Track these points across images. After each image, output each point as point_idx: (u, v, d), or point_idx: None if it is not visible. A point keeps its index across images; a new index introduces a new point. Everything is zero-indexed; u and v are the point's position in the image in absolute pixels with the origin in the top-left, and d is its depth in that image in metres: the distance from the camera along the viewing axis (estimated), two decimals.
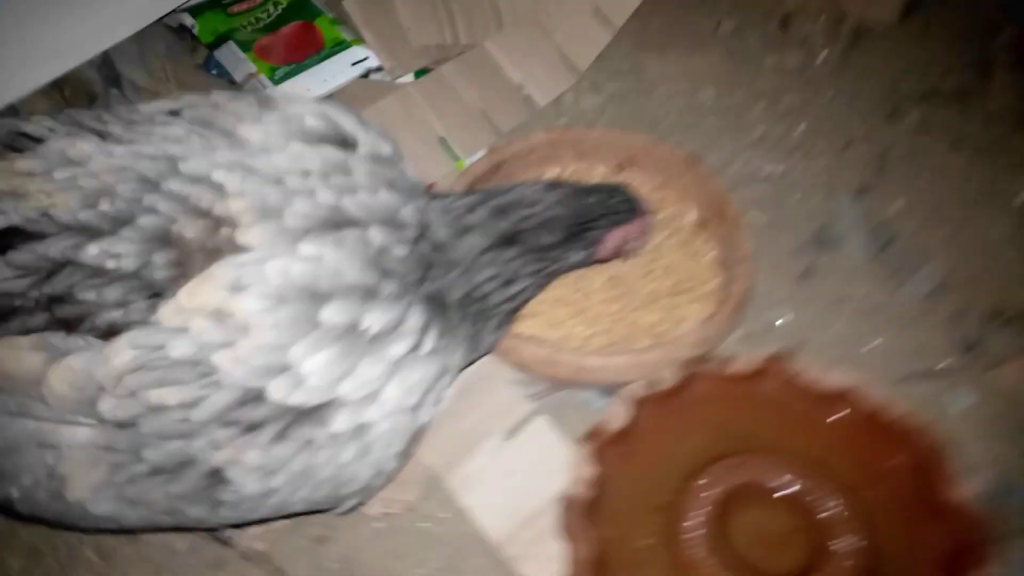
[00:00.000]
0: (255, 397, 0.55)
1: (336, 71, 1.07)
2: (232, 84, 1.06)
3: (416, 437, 0.65)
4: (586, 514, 0.70)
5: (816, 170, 1.02)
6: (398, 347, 0.60)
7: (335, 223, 0.60)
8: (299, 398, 0.56)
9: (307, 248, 0.58)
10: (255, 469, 0.57)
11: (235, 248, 0.56)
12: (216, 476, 0.57)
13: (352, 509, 0.67)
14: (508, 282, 0.72)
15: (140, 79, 0.96)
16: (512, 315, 0.76)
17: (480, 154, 1.03)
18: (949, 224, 0.96)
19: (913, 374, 0.84)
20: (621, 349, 0.84)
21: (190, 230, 0.56)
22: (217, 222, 0.57)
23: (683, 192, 0.96)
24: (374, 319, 0.59)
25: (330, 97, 1.06)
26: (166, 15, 1.03)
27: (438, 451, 0.80)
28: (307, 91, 1.04)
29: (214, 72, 1.08)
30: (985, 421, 0.80)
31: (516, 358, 0.81)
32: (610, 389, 0.83)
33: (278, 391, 0.56)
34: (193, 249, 0.56)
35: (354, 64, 1.08)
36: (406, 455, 0.66)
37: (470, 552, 0.75)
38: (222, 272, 0.55)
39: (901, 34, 1.17)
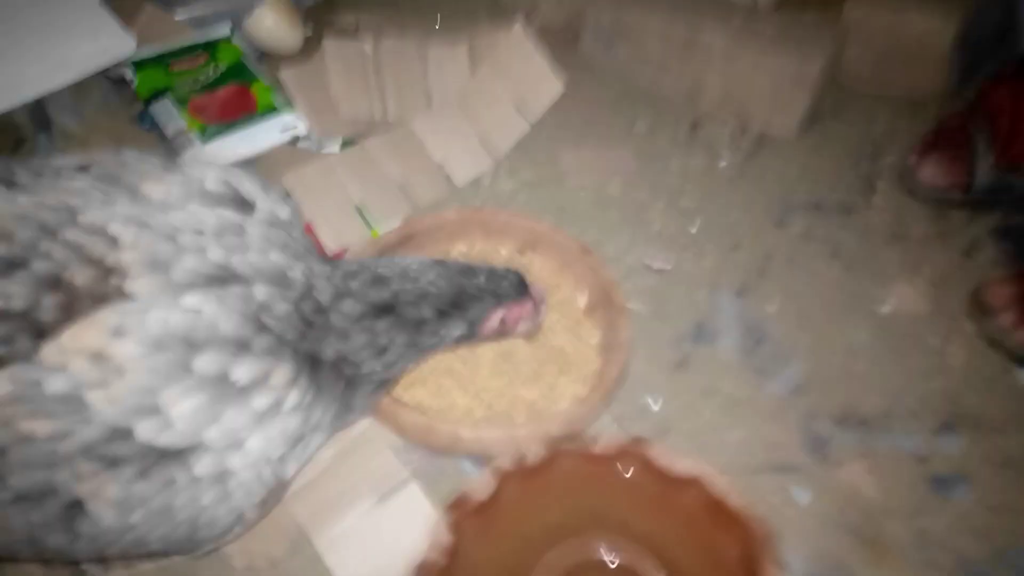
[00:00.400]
0: (123, 435, 0.59)
1: (265, 135, 1.12)
2: (163, 139, 1.11)
3: (277, 489, 0.69)
4: None
5: (703, 268, 1.10)
6: (262, 400, 0.64)
7: (221, 279, 0.65)
8: (166, 440, 0.60)
9: (189, 300, 0.62)
10: (115, 504, 0.60)
11: (122, 296, 0.61)
12: (76, 507, 0.60)
13: (208, 553, 0.71)
14: (381, 351, 0.75)
15: (71, 126, 1.01)
16: (387, 383, 0.80)
17: (395, 224, 1.09)
18: (816, 328, 1.04)
19: (765, 466, 0.91)
20: (496, 423, 0.89)
21: (80, 277, 0.60)
22: (107, 271, 0.61)
23: (577, 278, 1.03)
24: (243, 371, 0.63)
25: (256, 160, 1.12)
26: (107, 67, 1.08)
27: (310, 508, 0.83)
28: (234, 152, 1.10)
29: (146, 126, 1.13)
30: (821, 517, 0.87)
31: (395, 424, 0.86)
32: (485, 460, 0.87)
33: (146, 431, 0.59)
34: (81, 295, 0.60)
35: (283, 131, 1.14)
36: (265, 505, 0.69)
37: None
38: (106, 317, 0.60)
39: (797, 147, 1.28)
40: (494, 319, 0.82)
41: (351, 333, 0.73)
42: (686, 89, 1.31)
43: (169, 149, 1.10)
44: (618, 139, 1.26)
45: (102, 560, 0.76)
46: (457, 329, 0.80)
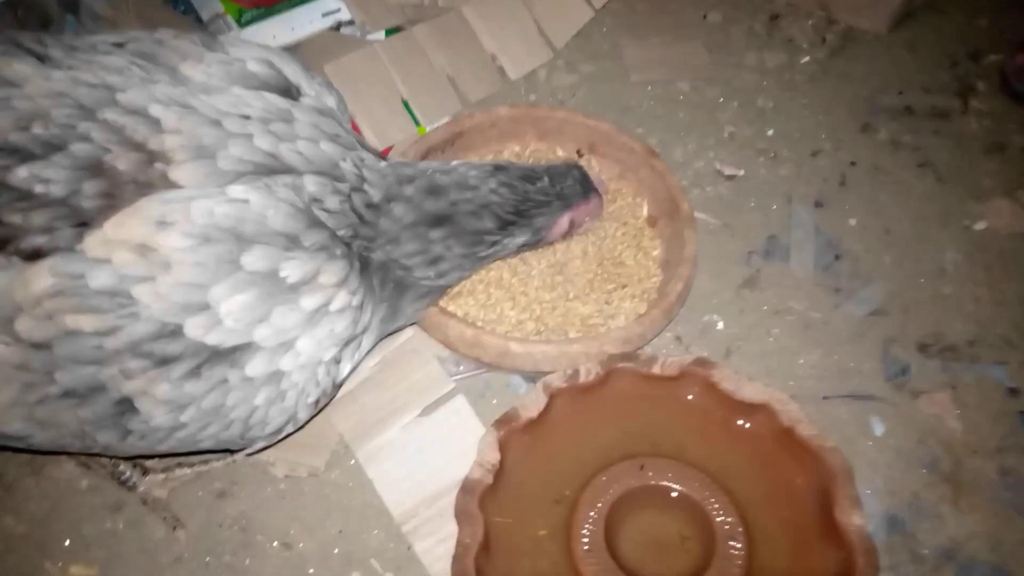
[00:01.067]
0: (172, 332, 0.56)
1: (305, 20, 1.04)
2: (198, 22, 1.04)
3: (331, 391, 0.67)
4: (483, 499, 0.70)
5: (779, 176, 1.01)
6: (311, 299, 0.61)
7: (270, 169, 0.61)
8: (216, 338, 0.58)
9: (236, 191, 0.59)
10: (165, 402, 0.58)
11: (167, 184, 0.57)
12: (126, 404, 0.58)
13: (260, 451, 0.69)
14: (434, 260, 0.72)
15: (100, 7, 0.94)
16: (437, 291, 0.77)
17: (443, 121, 1.02)
18: (901, 245, 0.95)
19: (836, 394, 0.84)
20: (547, 338, 0.83)
21: (123, 162, 0.57)
22: (151, 156, 0.58)
23: (640, 184, 0.95)
24: (293, 268, 0.60)
25: (296, 47, 1.04)
26: None
27: (353, 420, 0.80)
28: (272, 38, 1.02)
29: (181, 8, 1.05)
30: (897, 450, 0.81)
31: (442, 336, 0.81)
32: (534, 376, 0.82)
33: (195, 329, 0.57)
34: (124, 181, 0.57)
35: (325, 15, 1.05)
36: (318, 406, 0.67)
37: (367, 523, 0.76)
38: (149, 207, 0.56)
39: (888, 43, 1.15)
40: (563, 223, 0.80)
41: (402, 239, 0.70)
42: None
43: (204, 34, 1.02)
44: (689, 30, 1.14)
45: (151, 457, 0.75)
46: (522, 237, 0.77)
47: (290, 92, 0.67)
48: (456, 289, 0.86)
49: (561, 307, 0.86)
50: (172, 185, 0.57)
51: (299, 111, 0.65)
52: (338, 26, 1.07)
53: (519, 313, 0.85)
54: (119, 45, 0.63)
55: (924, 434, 0.81)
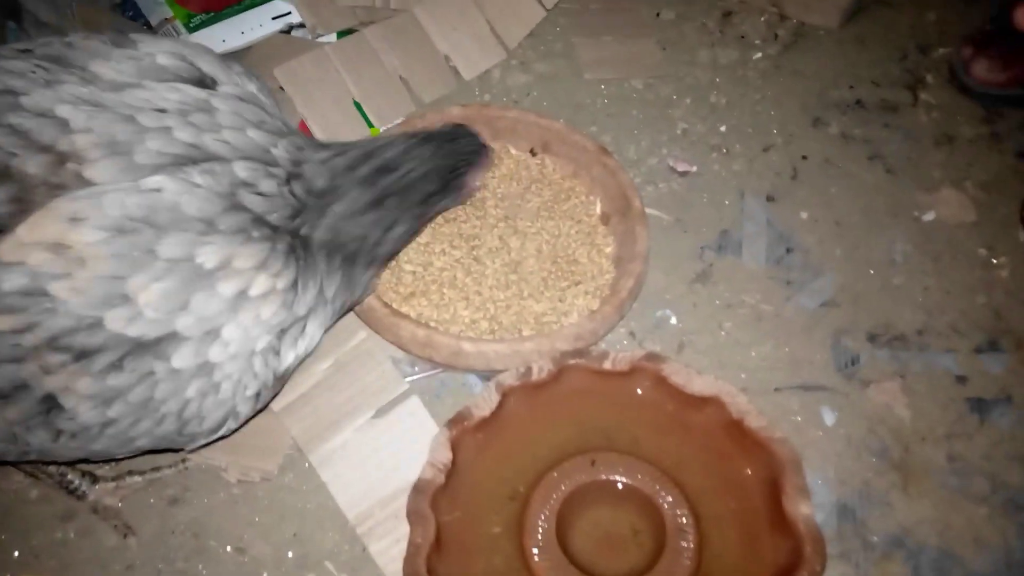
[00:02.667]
0: (91, 325, 0.56)
1: (255, 24, 1.04)
2: (147, 28, 1.03)
3: (273, 382, 0.66)
4: (436, 498, 0.70)
5: (731, 171, 1.02)
6: (227, 285, 0.60)
7: (192, 159, 0.61)
8: (137, 329, 0.57)
9: (149, 181, 0.58)
10: (89, 397, 0.57)
11: (81, 183, 0.56)
12: (51, 401, 0.57)
13: (204, 446, 0.68)
14: (390, 226, 0.74)
15: (44, 14, 0.92)
16: (388, 258, 0.78)
17: (396, 122, 1.02)
18: (851, 237, 0.96)
19: (789, 384, 0.85)
20: (499, 337, 0.83)
21: (31, 165, 0.56)
22: (61, 157, 0.57)
23: (593, 181, 0.95)
24: (209, 254, 0.59)
25: (246, 51, 1.04)
26: None
27: (306, 423, 0.80)
28: (222, 42, 1.02)
29: (129, 14, 1.04)
30: (848, 439, 0.82)
31: (395, 337, 0.81)
32: (489, 375, 0.83)
33: (116, 321, 0.56)
34: (35, 184, 0.56)
35: (275, 18, 1.05)
36: (260, 399, 0.66)
37: (322, 526, 0.76)
38: (61, 206, 0.55)
39: (839, 38, 1.16)
40: (474, 179, 0.83)
41: (357, 214, 0.70)
42: None
43: (115, 33, 1.01)
44: (642, 28, 1.15)
45: (91, 460, 0.74)
46: (449, 197, 0.81)
47: (205, 83, 0.66)
48: (409, 290, 0.86)
49: (515, 306, 0.87)
50: (87, 184, 0.56)
51: (218, 100, 0.64)
52: (289, 29, 1.06)
53: (473, 313, 0.85)
54: (26, 51, 0.62)
55: (874, 423, 0.82)
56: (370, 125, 1.00)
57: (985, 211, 0.99)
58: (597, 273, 0.90)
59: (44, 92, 0.58)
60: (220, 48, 1.02)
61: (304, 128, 0.97)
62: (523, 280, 0.89)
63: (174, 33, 1.01)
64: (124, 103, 0.60)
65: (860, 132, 1.06)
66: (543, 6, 1.09)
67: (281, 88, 0.98)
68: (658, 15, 1.17)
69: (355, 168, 0.70)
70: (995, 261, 0.94)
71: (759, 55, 1.14)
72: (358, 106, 1.00)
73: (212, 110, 0.63)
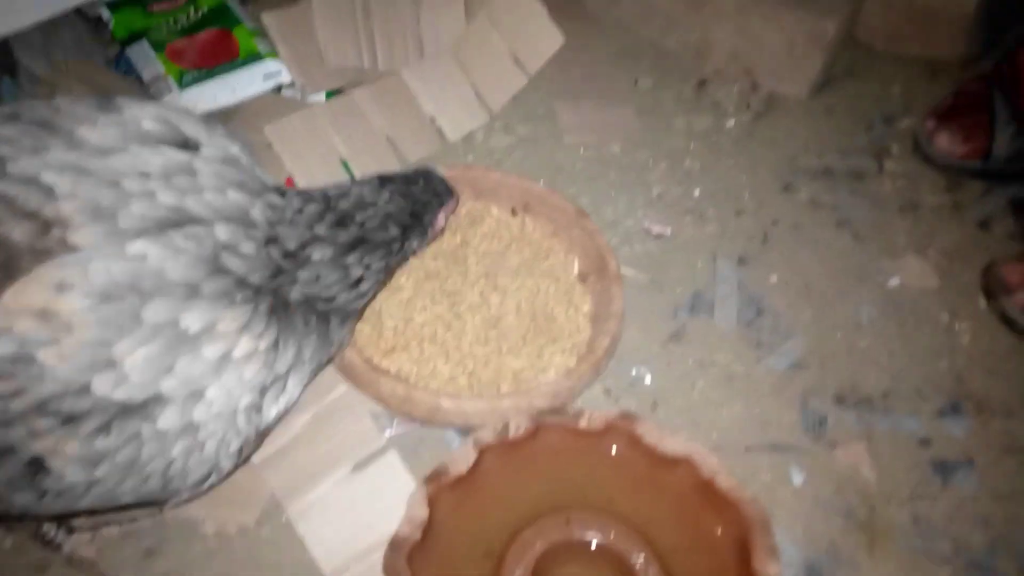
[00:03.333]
0: (79, 390, 0.56)
1: (246, 83, 1.07)
2: (140, 83, 1.05)
3: (255, 438, 0.68)
4: (412, 555, 0.71)
5: (704, 234, 1.05)
6: (212, 348, 0.61)
7: (175, 222, 0.62)
8: (123, 393, 0.58)
9: (135, 247, 0.59)
10: (77, 459, 0.58)
11: (66, 249, 0.58)
12: (37, 464, 0.58)
13: (186, 501, 0.69)
14: (355, 282, 0.75)
15: (40, 70, 0.95)
16: (360, 310, 0.79)
17: None
18: (819, 301, 0.99)
19: (759, 444, 0.87)
20: (477, 393, 0.85)
21: (17, 232, 0.57)
22: (46, 224, 0.58)
23: (571, 242, 0.98)
24: (193, 318, 0.60)
25: (237, 109, 1.07)
26: (80, 5, 1.02)
27: (284, 476, 0.80)
28: (214, 100, 1.04)
29: (122, 70, 1.07)
30: (816, 499, 0.84)
31: (374, 392, 0.82)
32: (467, 430, 0.84)
33: (103, 385, 0.57)
34: (20, 251, 0.57)
35: (266, 78, 1.08)
36: (242, 455, 0.67)
37: None
38: (47, 272, 0.56)
39: (809, 108, 1.21)
40: (441, 219, 0.85)
41: (322, 275, 0.71)
42: (694, 44, 1.24)
43: (146, 95, 1.04)
44: (620, 95, 1.20)
45: (74, 515, 0.74)
46: (416, 239, 0.81)
47: (188, 145, 0.68)
48: (390, 344, 0.88)
49: (494, 361, 0.88)
50: (71, 249, 0.58)
51: (200, 162, 0.66)
52: (279, 88, 1.09)
53: (452, 368, 0.87)
54: (14, 116, 0.64)
55: (841, 483, 0.85)
56: None
57: (947, 278, 1.02)
58: (574, 331, 0.92)
59: (30, 159, 0.60)
60: (211, 105, 1.05)
61: (291, 184, 1.00)
62: (502, 336, 0.91)
63: (167, 89, 1.03)
64: (109, 168, 0.61)
65: (828, 199, 1.11)
66: (526, 72, 1.13)
67: (270, 145, 1.00)
68: (636, 83, 1.22)
69: (315, 225, 0.71)
70: (957, 327, 0.98)
71: (732, 123, 1.18)
72: (345, 164, 1.03)
73: (194, 172, 0.65)
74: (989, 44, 1.25)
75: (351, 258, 0.73)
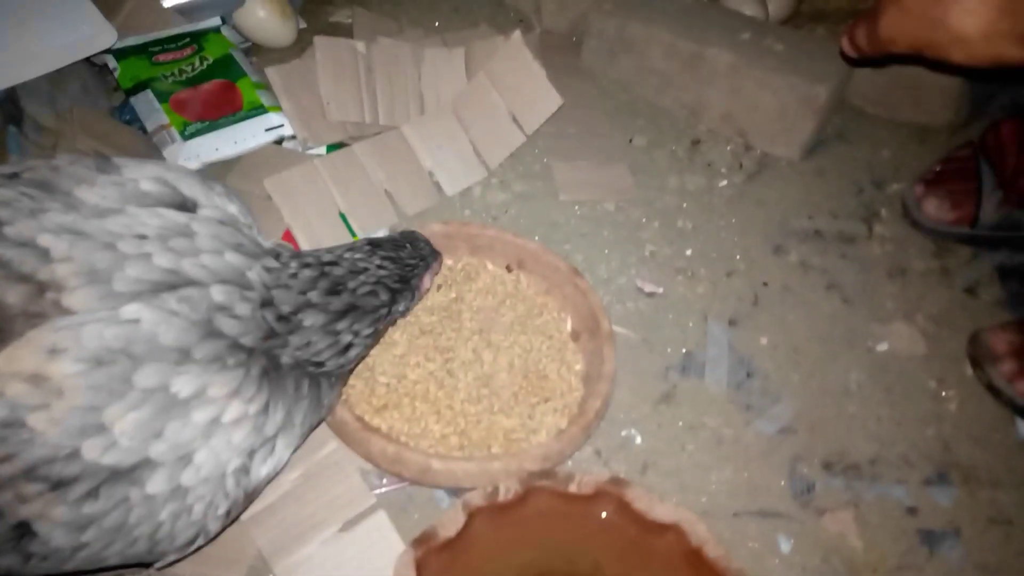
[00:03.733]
0: (69, 455, 0.57)
1: (249, 134, 1.08)
2: (143, 133, 1.07)
3: (244, 501, 0.68)
4: None
5: (696, 294, 1.06)
6: (202, 412, 0.62)
7: (170, 285, 0.63)
8: (113, 458, 0.58)
9: (128, 310, 0.60)
10: (64, 524, 0.58)
11: (60, 312, 0.58)
12: (24, 528, 0.57)
13: (173, 563, 0.69)
14: (345, 349, 0.75)
15: (45, 119, 0.96)
16: (348, 372, 0.81)
17: (380, 232, 1.06)
18: (808, 364, 1.00)
19: (747, 510, 0.87)
20: (468, 455, 0.85)
21: (11, 295, 0.58)
22: (41, 287, 0.58)
23: (565, 300, 0.99)
24: (183, 383, 0.61)
25: (237, 160, 1.08)
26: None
27: (272, 534, 0.80)
28: (215, 151, 1.06)
29: (126, 118, 1.08)
30: (803, 567, 0.84)
31: (364, 451, 0.82)
32: (457, 491, 0.84)
33: (92, 451, 0.57)
34: (14, 314, 0.57)
35: (268, 130, 1.09)
36: (230, 516, 0.68)
37: None
38: (40, 336, 0.57)
39: (801, 170, 1.24)
40: (427, 282, 0.87)
41: (313, 340, 0.72)
42: (689, 104, 1.27)
43: (149, 145, 1.06)
44: (616, 153, 1.22)
45: None
46: (404, 302, 0.82)
47: (186, 206, 0.69)
48: (382, 402, 0.89)
49: (485, 420, 0.89)
50: (66, 312, 0.58)
51: (198, 224, 0.67)
52: (280, 140, 1.11)
53: (443, 427, 0.88)
54: (14, 175, 0.65)
55: (828, 552, 0.85)
56: (353, 235, 1.04)
57: (935, 344, 1.04)
58: (566, 390, 0.93)
59: (27, 222, 0.60)
60: (213, 156, 1.06)
61: (288, 237, 1.01)
62: (494, 395, 0.91)
63: (169, 140, 1.05)
64: (106, 230, 0.62)
65: (818, 261, 1.12)
66: (524, 131, 1.15)
67: (269, 198, 1.01)
68: (631, 141, 1.24)
69: (309, 291, 0.72)
70: (944, 394, 0.99)
71: (725, 183, 1.21)
72: (343, 217, 1.04)
73: (192, 234, 0.66)
74: (976, 112, 1.28)
75: (341, 324, 0.74)
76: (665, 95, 1.28)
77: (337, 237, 1.03)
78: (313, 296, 0.72)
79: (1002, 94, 1.31)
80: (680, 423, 0.94)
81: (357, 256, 0.77)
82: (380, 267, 0.78)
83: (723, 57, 1.20)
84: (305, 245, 1.01)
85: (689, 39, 1.22)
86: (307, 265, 0.73)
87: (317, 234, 1.02)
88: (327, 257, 0.76)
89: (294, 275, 0.72)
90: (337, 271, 0.75)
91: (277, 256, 0.73)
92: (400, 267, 0.81)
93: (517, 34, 1.12)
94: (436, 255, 0.87)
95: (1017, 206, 1.08)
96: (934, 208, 1.14)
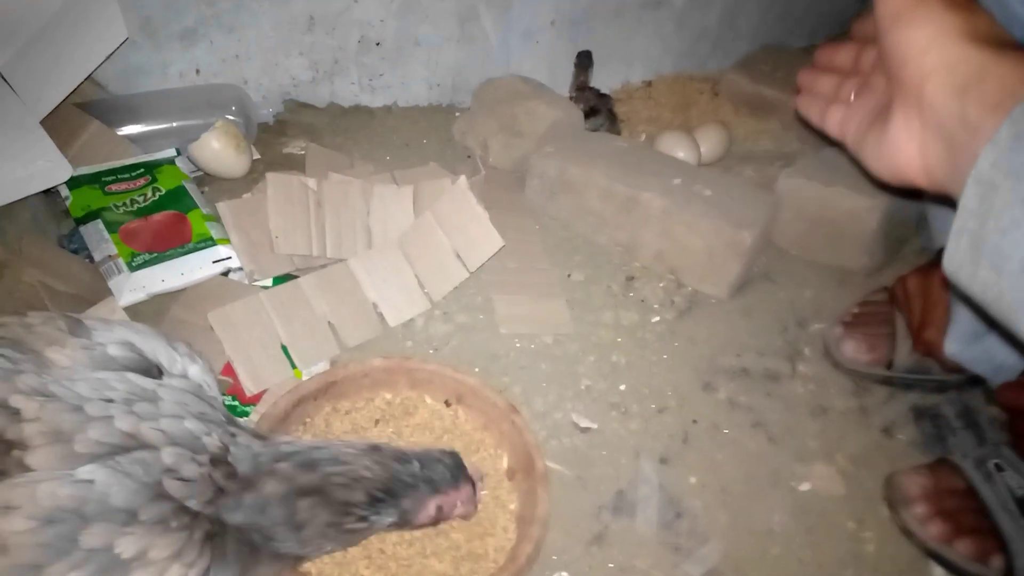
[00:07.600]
0: None
1: (196, 266, 1.10)
2: (90, 262, 1.08)
3: None
4: None
5: (628, 430, 1.10)
6: (144, 573, 0.62)
7: (126, 448, 0.65)
8: None
9: (84, 471, 0.62)
10: None
11: (22, 469, 0.60)
12: None
13: None
14: (298, 526, 0.75)
15: None
16: (297, 559, 0.78)
17: (320, 365, 1.08)
18: (735, 504, 1.04)
19: None
20: None
21: None
22: (8, 446, 0.61)
23: (501, 437, 1.02)
24: (127, 544, 0.62)
25: (183, 291, 1.10)
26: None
27: None
28: (161, 281, 1.08)
29: (74, 247, 1.10)
30: None
31: None
32: None
33: None
34: None
35: (215, 262, 1.12)
36: None
37: None
38: None
39: (729, 308, 1.30)
40: (430, 508, 0.83)
41: (268, 508, 0.73)
42: (624, 242, 1.34)
43: (95, 275, 1.07)
44: (554, 288, 1.27)
45: None
46: (389, 517, 0.80)
47: (151, 372, 0.73)
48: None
49: (417, 564, 0.89)
50: (26, 470, 0.61)
51: (165, 391, 0.71)
52: (227, 272, 1.13)
53: (374, 572, 0.88)
54: None
55: None
56: (293, 366, 1.06)
57: (853, 484, 1.08)
58: (499, 531, 0.94)
59: (1, 384, 0.63)
60: (159, 287, 1.08)
61: (229, 370, 1.02)
62: (427, 537, 0.92)
63: (116, 270, 1.06)
64: (74, 392, 0.65)
65: (745, 399, 1.17)
66: (467, 268, 1.20)
67: (212, 329, 1.03)
68: (569, 276, 1.30)
69: (279, 461, 0.74)
70: (862, 536, 1.03)
71: (657, 319, 1.26)
72: (285, 350, 1.06)
73: (157, 400, 0.69)
74: (890, 256, 1.38)
75: (303, 502, 0.74)
76: (601, 233, 1.35)
77: (277, 369, 1.05)
78: (282, 466, 0.73)
79: (914, 239, 1.42)
80: (611, 565, 0.96)
81: (346, 449, 0.78)
82: (367, 468, 0.77)
83: (656, 202, 1.28)
84: (244, 376, 1.02)
85: (624, 183, 1.30)
86: (288, 444, 0.76)
87: (257, 366, 1.04)
88: (313, 442, 0.78)
89: (272, 452, 0.74)
90: (316, 454, 0.76)
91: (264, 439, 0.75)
92: (390, 478, 0.78)
93: (463, 179, 1.18)
94: (455, 483, 0.84)
95: (924, 354, 1.15)
96: (852, 349, 1.21)
